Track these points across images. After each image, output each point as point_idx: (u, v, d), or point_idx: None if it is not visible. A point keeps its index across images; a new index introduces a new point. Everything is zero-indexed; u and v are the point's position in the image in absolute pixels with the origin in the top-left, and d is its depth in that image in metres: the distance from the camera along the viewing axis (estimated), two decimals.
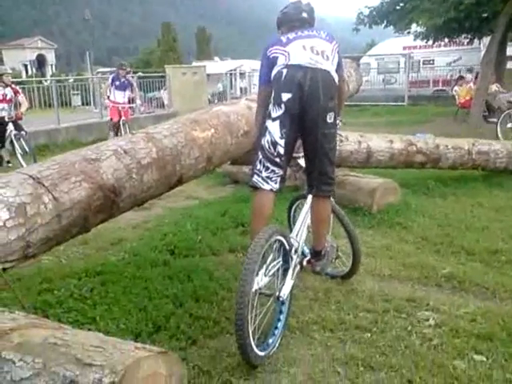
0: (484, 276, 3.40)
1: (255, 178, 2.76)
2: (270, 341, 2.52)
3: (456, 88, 13.44)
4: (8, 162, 8.18)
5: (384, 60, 20.75)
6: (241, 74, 29.55)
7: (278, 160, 2.72)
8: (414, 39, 14.06)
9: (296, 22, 2.93)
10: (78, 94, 17.42)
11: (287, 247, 2.67)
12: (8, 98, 7.92)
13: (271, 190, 2.73)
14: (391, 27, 14.22)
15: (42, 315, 2.75)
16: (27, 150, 7.85)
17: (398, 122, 12.88)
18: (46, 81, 18.87)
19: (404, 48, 20.18)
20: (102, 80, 14.02)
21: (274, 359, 2.48)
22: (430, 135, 9.02)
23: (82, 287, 3.19)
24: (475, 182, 5.95)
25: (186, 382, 1.91)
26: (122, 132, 9.34)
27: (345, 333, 2.70)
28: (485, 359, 2.42)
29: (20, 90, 8.25)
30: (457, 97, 13.23)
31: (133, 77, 12.19)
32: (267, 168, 2.73)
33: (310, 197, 2.95)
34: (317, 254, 2.98)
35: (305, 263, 2.97)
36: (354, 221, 4.62)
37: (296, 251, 2.78)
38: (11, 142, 7.95)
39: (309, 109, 2.65)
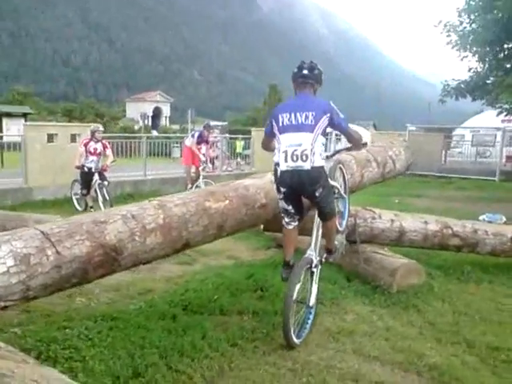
0: (469, 372, 3.37)
1: (283, 221, 3.90)
2: (301, 333, 3.78)
3: None
4: (91, 207, 9.17)
5: (480, 133, 20.19)
6: (336, 137, 30.10)
7: (291, 214, 3.83)
8: (497, 114, 13.67)
9: (299, 78, 3.82)
10: (178, 147, 18.87)
11: (309, 266, 3.86)
12: (98, 151, 9.01)
13: (293, 227, 3.88)
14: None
15: (47, 348, 3.26)
16: (107, 198, 8.79)
17: (478, 199, 12.44)
18: (141, 135, 20.62)
19: (503, 121, 19.52)
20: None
21: None
22: (501, 216, 8.74)
23: (93, 329, 3.65)
24: None
25: None
26: (201, 185, 10.06)
27: None
28: None
29: (108, 145, 9.32)
30: None
31: (216, 137, 13.10)
32: (286, 217, 3.87)
33: (318, 219, 4.02)
34: (329, 251, 4.17)
35: (323, 259, 4.10)
36: (372, 299, 4.75)
37: (315, 264, 3.93)
38: (95, 190, 8.96)
39: (301, 193, 3.78)
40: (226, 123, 44.03)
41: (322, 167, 3.66)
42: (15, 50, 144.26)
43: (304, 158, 3.55)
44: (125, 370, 3.12)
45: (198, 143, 11.01)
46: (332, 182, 4.10)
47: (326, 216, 3.87)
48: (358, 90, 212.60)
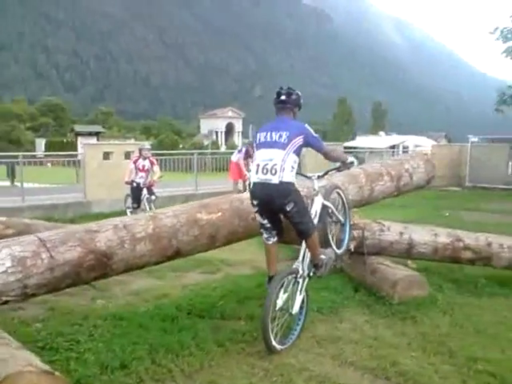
0: (437, 379, 3.46)
1: (263, 237, 4.19)
2: (287, 340, 3.97)
3: None
4: None
5: None
6: (404, 149, 29.72)
7: (269, 229, 4.10)
8: None
9: (278, 104, 4.16)
10: None
11: (294, 276, 4.06)
12: (146, 168, 9.69)
13: (272, 242, 4.15)
14: None
15: (53, 340, 3.76)
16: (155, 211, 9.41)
17: None
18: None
19: None
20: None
21: None
22: None
23: (100, 327, 4.12)
24: None
25: None
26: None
27: None
28: None
29: (155, 162, 9.98)
30: None
31: None
32: (265, 232, 4.14)
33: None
34: (316, 266, 4.22)
35: (311, 274, 4.22)
36: (373, 309, 4.88)
37: (301, 275, 4.10)
38: (144, 204, 9.62)
39: (271, 207, 3.96)
40: None
41: (292, 183, 3.87)
42: (100, 73, 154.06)
43: (273, 171, 3.82)
44: (114, 362, 3.52)
45: (245, 158, 11.50)
46: (325, 203, 4.38)
47: (303, 234, 4.02)
48: (433, 101, 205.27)
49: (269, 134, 3.96)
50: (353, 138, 39.10)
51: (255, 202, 3.97)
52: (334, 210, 4.58)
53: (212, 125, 61.14)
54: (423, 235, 5.51)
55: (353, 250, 5.42)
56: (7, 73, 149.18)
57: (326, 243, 4.44)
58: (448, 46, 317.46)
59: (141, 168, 9.68)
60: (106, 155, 11.14)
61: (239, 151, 11.85)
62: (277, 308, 3.87)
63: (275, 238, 4.15)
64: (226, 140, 55.64)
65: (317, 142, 4.07)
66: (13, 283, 3.20)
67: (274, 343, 3.81)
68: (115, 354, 3.63)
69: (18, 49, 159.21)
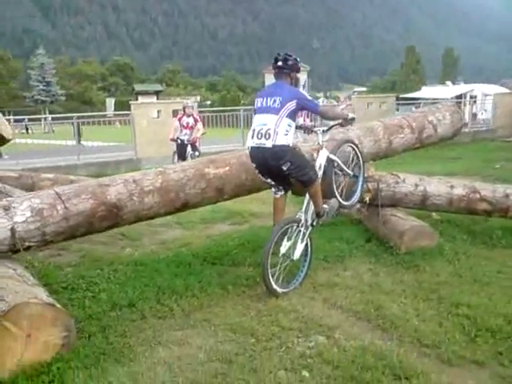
0: (414, 321, 3.67)
1: (272, 191, 4.48)
2: (290, 285, 4.28)
3: None
4: None
5: None
6: (471, 98, 28.20)
7: (273, 185, 4.39)
8: None
9: (275, 69, 4.33)
10: None
11: (297, 224, 4.33)
12: (190, 125, 10.14)
13: (280, 196, 4.42)
14: None
15: (74, 282, 4.30)
16: None
17: None
18: None
19: None
20: None
21: None
22: None
23: (118, 271, 4.63)
24: None
25: (73, 326, 3.11)
26: None
27: (238, 335, 3.50)
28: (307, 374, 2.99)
29: (199, 119, 10.37)
30: None
31: None
32: (272, 187, 4.44)
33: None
34: (318, 214, 4.46)
35: (314, 223, 4.49)
36: (379, 258, 5.07)
37: (303, 224, 4.37)
38: (189, 160, 10.12)
39: (269, 168, 4.21)
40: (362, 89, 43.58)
41: (286, 145, 4.08)
42: (169, 30, 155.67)
43: (267, 136, 4.05)
44: (123, 301, 4.00)
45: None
46: (331, 156, 4.58)
47: (303, 183, 4.25)
48: None
49: (265, 99, 4.18)
50: (420, 88, 37.53)
51: (254, 165, 4.25)
52: (341, 163, 4.74)
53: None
54: (438, 187, 5.54)
55: (368, 201, 5.57)
56: (82, 35, 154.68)
57: (330, 194, 4.65)
58: None
59: (185, 125, 10.13)
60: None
61: None
62: (280, 254, 4.18)
63: (282, 192, 4.43)
64: None
65: (311, 105, 4.30)
66: (33, 231, 3.70)
67: (274, 286, 4.10)
68: (126, 294, 4.10)
69: (89, 11, 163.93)
